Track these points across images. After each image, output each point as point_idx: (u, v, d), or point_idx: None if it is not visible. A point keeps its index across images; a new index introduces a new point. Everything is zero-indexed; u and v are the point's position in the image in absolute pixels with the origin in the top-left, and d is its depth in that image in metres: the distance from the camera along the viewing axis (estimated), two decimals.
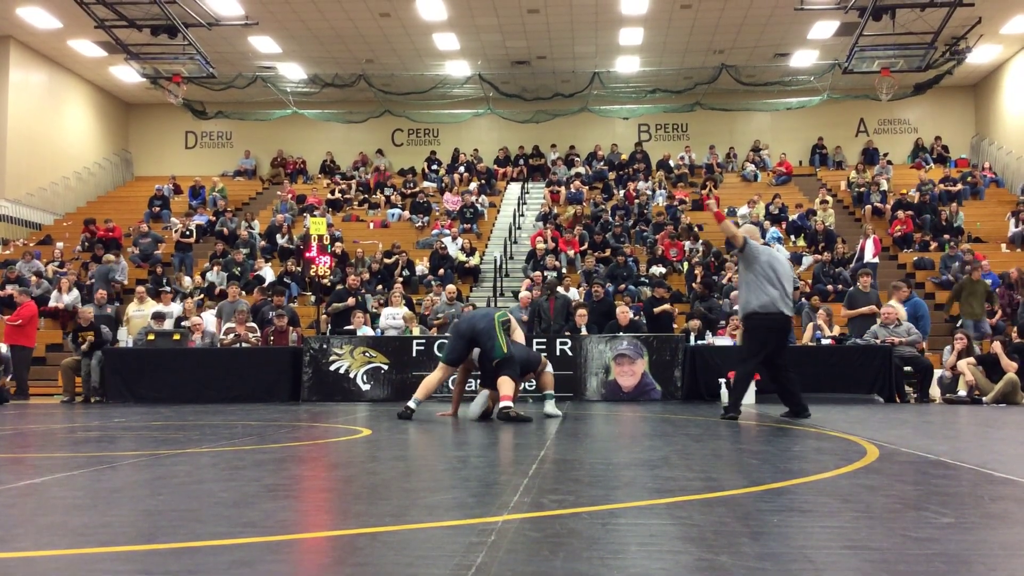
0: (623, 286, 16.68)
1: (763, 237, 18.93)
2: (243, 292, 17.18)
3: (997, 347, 11.36)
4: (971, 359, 11.55)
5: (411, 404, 8.07)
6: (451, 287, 14.63)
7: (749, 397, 10.28)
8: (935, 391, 11.92)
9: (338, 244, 18.65)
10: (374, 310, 14.46)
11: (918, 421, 8.22)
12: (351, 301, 13.96)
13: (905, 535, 2.79)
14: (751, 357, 7.90)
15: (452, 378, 9.28)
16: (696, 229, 20.00)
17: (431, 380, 8.16)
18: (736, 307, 10.41)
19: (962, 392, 11.49)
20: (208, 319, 13.70)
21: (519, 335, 8.33)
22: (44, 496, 3.81)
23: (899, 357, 11.42)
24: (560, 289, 14.44)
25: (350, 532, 2.91)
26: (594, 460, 4.89)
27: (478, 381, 9.36)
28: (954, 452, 5.21)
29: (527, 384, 9.97)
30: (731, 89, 22.79)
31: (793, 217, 20.60)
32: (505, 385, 7.69)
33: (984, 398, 11.07)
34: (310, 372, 11.91)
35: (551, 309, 13.15)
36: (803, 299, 15.16)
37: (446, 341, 11.77)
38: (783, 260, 8.11)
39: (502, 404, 7.58)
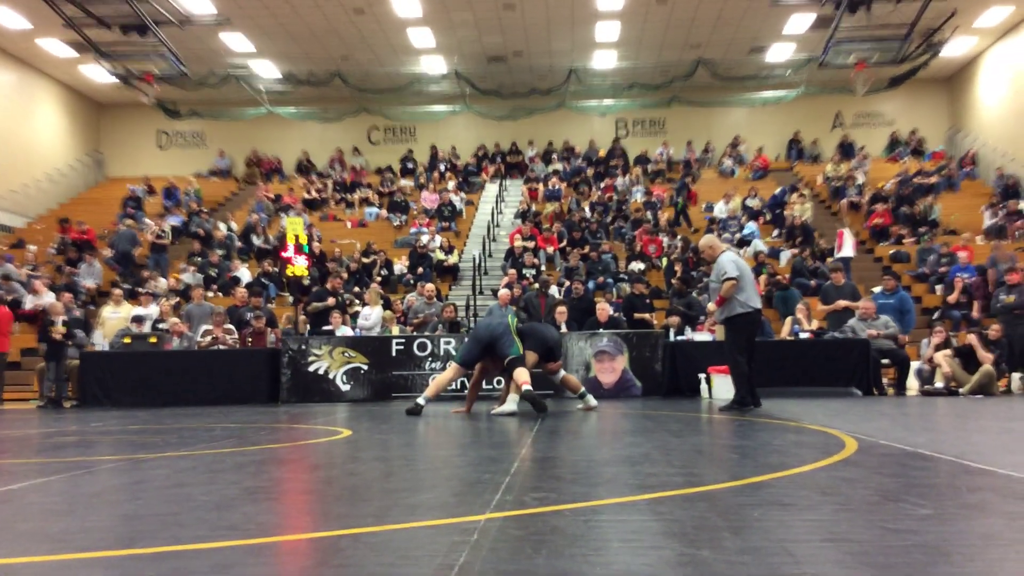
0: (601, 279, 16.75)
1: (740, 232, 19.07)
2: (220, 293, 17.10)
3: (973, 339, 11.49)
4: (948, 351, 11.67)
5: (420, 401, 8.50)
6: (430, 286, 14.59)
7: (729, 392, 10.31)
8: (913, 383, 12.04)
9: (315, 244, 18.55)
10: (357, 308, 14.42)
11: (896, 413, 8.29)
12: (331, 301, 13.91)
13: (884, 527, 2.81)
14: (741, 352, 8.37)
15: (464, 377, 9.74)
16: (675, 225, 20.08)
17: (442, 379, 8.73)
18: (710, 304, 10.55)
19: (939, 384, 11.61)
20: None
21: None
22: (21, 502, 3.78)
23: (876, 350, 11.52)
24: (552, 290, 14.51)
25: (332, 534, 2.91)
26: (575, 457, 4.90)
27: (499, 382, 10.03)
28: (932, 444, 5.26)
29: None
30: (708, 84, 22.88)
31: (766, 204, 20.82)
32: (521, 374, 8.25)
33: (961, 390, 11.19)
34: (289, 373, 11.85)
35: (542, 306, 13.20)
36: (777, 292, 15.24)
37: (426, 341, 11.87)
38: (743, 261, 8.75)
39: (524, 388, 8.11)
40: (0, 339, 13.22)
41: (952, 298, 15.00)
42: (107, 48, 18.89)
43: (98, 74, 23.01)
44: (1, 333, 13.24)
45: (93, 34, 18.41)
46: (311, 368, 11.84)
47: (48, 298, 15.70)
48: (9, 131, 23.24)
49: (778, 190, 21.48)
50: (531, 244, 18.45)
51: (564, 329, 12.28)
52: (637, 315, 13.54)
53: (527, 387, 8.12)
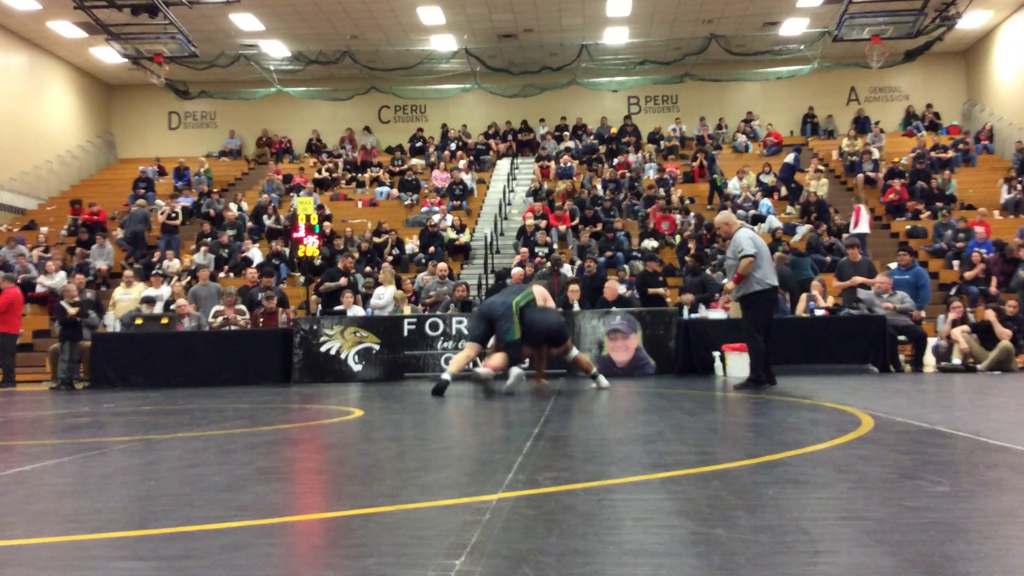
0: (611, 253, 16.71)
1: (755, 208, 18.97)
2: (232, 274, 17.16)
3: (991, 315, 11.41)
4: (965, 327, 11.59)
5: (446, 377, 8.43)
6: (442, 265, 14.60)
7: (743, 370, 10.31)
8: (930, 360, 11.97)
9: (326, 224, 18.58)
10: (365, 290, 14.43)
11: (913, 390, 8.27)
12: (343, 281, 13.93)
13: (900, 505, 2.81)
14: (760, 330, 8.36)
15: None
16: (688, 202, 19.99)
17: (461, 357, 8.73)
18: (725, 281, 10.51)
19: (956, 360, 11.54)
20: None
21: (550, 304, 8.85)
22: (34, 484, 3.81)
23: (893, 327, 11.45)
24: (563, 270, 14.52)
25: (344, 514, 2.92)
26: (588, 436, 4.91)
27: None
28: (949, 421, 5.24)
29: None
30: (721, 59, 22.66)
31: (779, 175, 20.73)
32: (496, 358, 8.29)
33: (979, 366, 11.13)
34: (301, 353, 11.87)
35: (555, 285, 13.19)
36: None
37: (438, 321, 11.89)
38: (759, 238, 8.69)
39: (481, 368, 8.25)
40: (12, 320, 13.31)
41: (971, 274, 14.89)
42: (117, 29, 18.87)
43: (108, 55, 23.01)
44: (13, 314, 13.32)
45: (103, 15, 18.39)
46: (323, 348, 11.87)
47: (59, 279, 15.81)
48: (20, 113, 23.32)
49: (789, 157, 21.28)
50: (543, 223, 18.41)
51: (577, 308, 12.27)
52: (651, 290, 13.55)
53: (487, 371, 8.23)
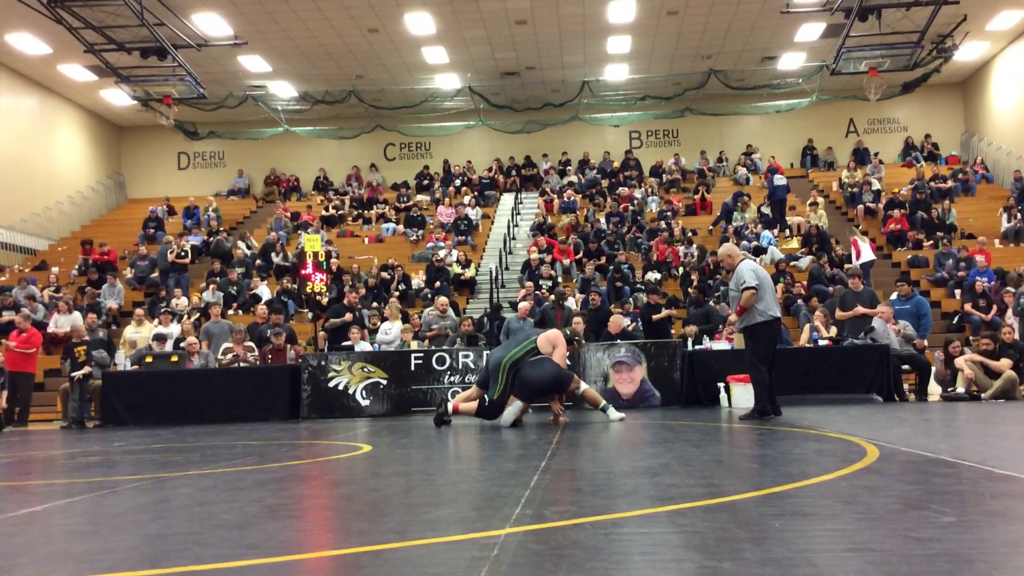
0: (619, 284, 16.72)
1: (757, 240, 18.99)
2: (240, 311, 17.20)
3: (987, 344, 11.38)
4: (969, 356, 11.56)
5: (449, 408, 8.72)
6: (443, 299, 14.59)
7: (748, 401, 10.27)
8: (934, 388, 11.92)
9: (333, 260, 18.64)
10: (372, 326, 14.44)
11: (917, 420, 8.22)
12: (348, 316, 13.96)
13: (907, 535, 2.79)
14: (763, 361, 8.38)
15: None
16: (690, 234, 20.03)
17: (465, 397, 8.97)
18: (729, 313, 10.51)
19: (960, 389, 11.49)
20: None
21: (559, 353, 8.65)
22: (45, 524, 3.80)
23: (896, 356, 11.42)
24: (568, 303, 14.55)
25: (353, 551, 2.91)
26: (595, 469, 4.89)
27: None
28: (954, 450, 5.21)
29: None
30: (720, 94, 22.87)
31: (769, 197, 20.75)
32: (468, 401, 8.73)
33: (983, 395, 11.08)
34: (309, 389, 11.88)
35: (558, 318, 13.22)
36: (800, 301, 15.15)
37: (445, 355, 11.92)
38: (762, 270, 8.74)
39: (450, 406, 8.67)
40: (30, 361, 13.38)
41: (986, 317, 14.78)
42: (127, 72, 19.11)
43: (118, 97, 23.29)
44: (31, 356, 13.39)
45: (113, 59, 18.63)
46: (331, 384, 11.88)
47: (68, 320, 15.85)
48: (31, 155, 23.54)
49: (777, 181, 21.11)
50: (547, 257, 18.46)
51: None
52: (655, 317, 13.61)
53: (454, 407, 8.61)
